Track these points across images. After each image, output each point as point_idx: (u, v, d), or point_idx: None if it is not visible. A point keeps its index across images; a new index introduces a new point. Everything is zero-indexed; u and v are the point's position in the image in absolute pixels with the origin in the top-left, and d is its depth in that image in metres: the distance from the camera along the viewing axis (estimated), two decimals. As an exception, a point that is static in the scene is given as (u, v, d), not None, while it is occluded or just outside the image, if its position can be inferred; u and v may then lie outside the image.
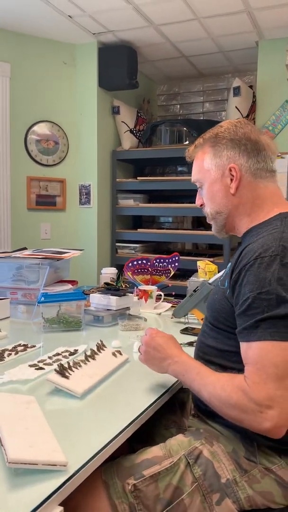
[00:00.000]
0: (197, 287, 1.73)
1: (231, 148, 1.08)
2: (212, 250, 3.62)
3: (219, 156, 1.10)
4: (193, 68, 3.79)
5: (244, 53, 3.42)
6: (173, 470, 0.95)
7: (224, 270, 1.22)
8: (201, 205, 1.20)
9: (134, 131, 3.53)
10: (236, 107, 3.19)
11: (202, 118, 3.90)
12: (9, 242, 3.21)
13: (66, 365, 1.16)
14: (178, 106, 4.05)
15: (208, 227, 3.14)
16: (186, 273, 3.05)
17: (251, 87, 3.33)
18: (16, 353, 1.38)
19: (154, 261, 2.21)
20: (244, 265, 0.96)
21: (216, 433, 1.03)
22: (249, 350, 0.92)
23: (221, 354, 1.05)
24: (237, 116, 3.20)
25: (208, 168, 1.12)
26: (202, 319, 1.51)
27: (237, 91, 3.18)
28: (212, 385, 0.95)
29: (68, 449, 0.81)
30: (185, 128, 3.44)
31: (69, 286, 2.18)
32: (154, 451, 1.01)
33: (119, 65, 3.25)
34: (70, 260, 2.14)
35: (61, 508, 0.71)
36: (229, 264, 1.12)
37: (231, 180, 1.08)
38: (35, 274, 2.06)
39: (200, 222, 3.83)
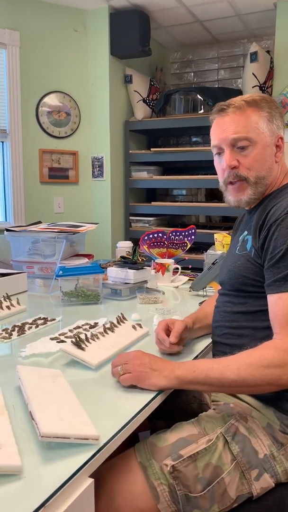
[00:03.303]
0: (216, 259, 1.72)
1: (280, 119, 1.13)
2: (226, 223, 3.57)
3: (273, 122, 1.11)
4: (207, 34, 3.65)
5: (261, 16, 3.28)
6: (211, 449, 0.94)
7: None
8: (234, 167, 1.10)
9: (147, 101, 3.44)
10: (253, 73, 3.08)
11: (217, 86, 3.78)
12: (23, 216, 3.19)
13: (83, 337, 1.16)
14: (192, 74, 3.92)
15: (222, 199, 3.06)
16: (201, 246, 3.02)
17: (268, 52, 3.19)
18: (37, 326, 1.38)
19: (170, 234, 2.18)
20: (274, 221, 0.99)
21: (248, 407, 1.03)
22: (280, 301, 0.95)
23: (252, 317, 1.06)
24: (254, 84, 3.09)
25: (263, 130, 1.09)
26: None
27: (254, 56, 3.06)
28: (236, 361, 0.93)
29: (94, 421, 0.81)
30: (199, 97, 3.35)
31: (85, 260, 2.17)
32: (188, 429, 0.99)
33: (131, 31, 3.14)
34: (85, 233, 2.12)
35: (92, 479, 0.71)
36: (243, 233, 1.15)
37: (277, 149, 1.12)
38: (51, 248, 2.05)
39: (213, 195, 3.76)
